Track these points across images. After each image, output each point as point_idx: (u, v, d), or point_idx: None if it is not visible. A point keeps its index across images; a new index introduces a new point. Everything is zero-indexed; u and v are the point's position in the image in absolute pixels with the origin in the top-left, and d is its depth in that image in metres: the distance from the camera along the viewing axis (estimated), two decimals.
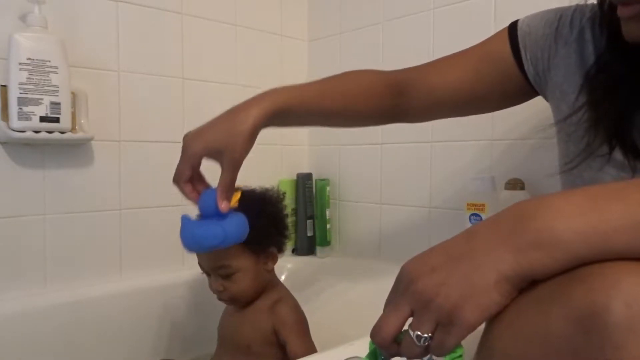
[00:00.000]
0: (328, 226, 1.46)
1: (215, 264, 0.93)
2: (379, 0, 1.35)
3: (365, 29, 1.39)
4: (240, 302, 0.97)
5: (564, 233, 0.36)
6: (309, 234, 1.47)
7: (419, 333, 0.40)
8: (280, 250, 1.02)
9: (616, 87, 0.58)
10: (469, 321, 0.38)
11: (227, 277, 0.94)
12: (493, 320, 0.40)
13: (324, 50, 1.52)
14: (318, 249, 1.46)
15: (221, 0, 1.35)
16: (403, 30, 1.30)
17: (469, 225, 1.09)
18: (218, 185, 0.74)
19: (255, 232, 0.92)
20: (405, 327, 0.42)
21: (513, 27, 0.72)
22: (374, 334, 0.43)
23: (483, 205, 1.05)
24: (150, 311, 1.15)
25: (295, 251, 1.47)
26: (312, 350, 0.95)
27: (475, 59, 0.75)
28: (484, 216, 1.06)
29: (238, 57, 1.39)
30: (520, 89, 0.73)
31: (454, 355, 0.41)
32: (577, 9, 0.67)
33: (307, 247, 1.46)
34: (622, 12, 0.53)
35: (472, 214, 1.07)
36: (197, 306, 1.20)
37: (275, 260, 1.00)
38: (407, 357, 0.42)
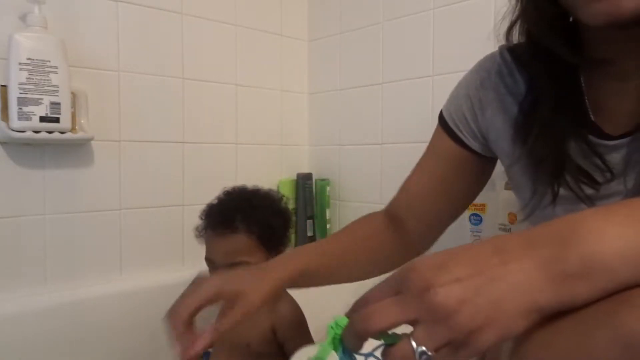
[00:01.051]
0: (328, 226, 1.46)
1: (232, 260, 0.93)
2: (379, 0, 1.35)
3: (365, 29, 1.39)
4: None
5: (610, 260, 0.33)
6: (309, 234, 1.46)
7: (424, 349, 0.35)
8: (284, 251, 1.03)
9: (545, 126, 0.58)
10: (485, 345, 0.34)
11: None
12: (525, 339, 0.37)
13: (324, 50, 1.52)
14: None
15: (221, 0, 1.35)
16: (403, 30, 1.30)
17: (469, 225, 1.09)
18: (218, 324, 0.61)
19: (272, 231, 0.95)
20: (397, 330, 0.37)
21: (441, 117, 0.74)
22: (358, 320, 0.37)
23: (483, 205, 1.05)
24: (150, 311, 1.15)
25: None
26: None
27: (432, 165, 0.76)
28: (483, 216, 1.06)
29: (238, 57, 1.39)
30: (482, 165, 0.72)
31: None
32: (485, 67, 0.69)
33: None
34: None
35: (472, 214, 1.07)
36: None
37: None
38: None
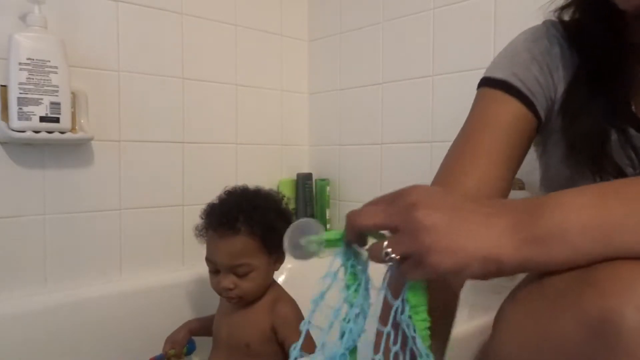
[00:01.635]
0: (328, 226, 1.46)
1: (234, 262, 0.93)
2: (379, 0, 1.35)
3: (365, 29, 1.39)
4: (246, 301, 0.97)
5: (571, 229, 0.36)
6: None
7: (389, 250, 0.40)
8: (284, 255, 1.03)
9: (584, 107, 0.57)
10: (439, 267, 0.38)
11: (243, 275, 0.93)
12: (500, 323, 0.40)
13: (324, 50, 1.52)
14: None
15: (221, 0, 1.35)
16: (403, 30, 1.30)
17: None
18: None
19: (274, 232, 0.94)
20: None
21: (501, 82, 0.64)
22: (352, 215, 0.43)
23: None
24: (150, 311, 1.15)
25: None
26: (312, 348, 0.95)
27: (494, 139, 0.62)
28: None
29: (238, 57, 1.39)
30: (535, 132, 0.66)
31: (422, 323, 0.41)
32: (544, 35, 0.64)
33: None
34: None
35: None
36: (197, 306, 1.20)
37: (282, 261, 1.01)
38: (370, 257, 0.43)
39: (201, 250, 0.98)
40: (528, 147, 0.65)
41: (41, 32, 0.99)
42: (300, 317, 0.98)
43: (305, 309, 1.02)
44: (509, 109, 0.63)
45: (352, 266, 0.45)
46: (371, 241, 0.44)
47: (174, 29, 1.26)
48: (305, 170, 1.53)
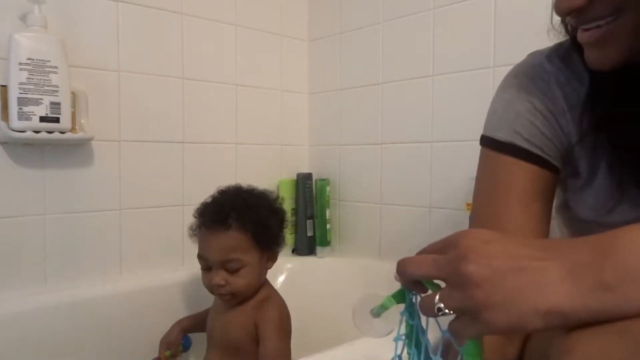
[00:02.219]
0: (328, 226, 1.46)
1: (225, 257, 0.93)
2: (379, 0, 1.35)
3: (365, 29, 1.39)
4: (238, 299, 0.97)
5: None
6: (309, 234, 1.47)
7: (441, 305, 0.39)
8: (279, 250, 1.03)
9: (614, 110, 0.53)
10: (494, 325, 0.36)
11: (234, 271, 0.94)
12: (565, 355, 0.36)
13: (324, 50, 1.52)
14: (318, 249, 1.46)
15: (221, 0, 1.35)
16: (403, 30, 1.30)
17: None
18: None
19: (267, 230, 0.95)
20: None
21: (505, 144, 0.61)
22: (400, 264, 0.42)
23: None
24: (150, 311, 1.15)
25: (295, 251, 1.47)
26: (284, 353, 0.94)
27: (518, 211, 0.59)
28: None
29: (238, 57, 1.39)
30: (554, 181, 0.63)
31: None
32: (538, 76, 0.60)
33: (307, 247, 1.46)
34: (581, 37, 0.50)
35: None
36: (197, 306, 1.20)
37: (275, 260, 1.01)
38: (421, 311, 0.42)
39: None
40: (552, 199, 0.62)
41: (41, 32, 0.99)
42: (284, 320, 0.98)
43: (304, 308, 1.02)
44: (521, 173, 0.59)
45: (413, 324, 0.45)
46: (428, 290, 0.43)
47: (174, 29, 1.26)
48: (305, 170, 1.53)
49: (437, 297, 0.39)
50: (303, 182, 1.47)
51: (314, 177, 1.50)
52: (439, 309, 0.39)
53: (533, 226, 0.59)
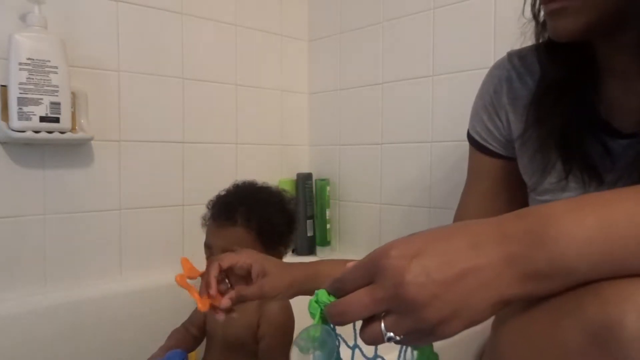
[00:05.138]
0: (328, 226, 1.46)
1: (227, 248, 0.91)
2: (379, 0, 1.35)
3: (365, 29, 1.39)
4: None
5: (576, 264, 0.35)
6: (309, 234, 1.47)
7: (391, 334, 0.38)
8: (285, 253, 1.02)
9: (558, 101, 0.59)
10: (450, 334, 0.37)
11: None
12: (502, 325, 0.39)
13: (324, 50, 1.52)
14: (318, 249, 1.46)
15: (221, 0, 1.35)
16: (403, 30, 1.30)
17: None
18: (241, 288, 0.74)
19: (272, 227, 0.94)
20: None
21: (469, 137, 0.76)
22: (335, 313, 0.40)
23: None
24: (150, 311, 1.15)
25: (295, 251, 1.47)
26: (286, 352, 0.93)
27: (479, 187, 0.75)
28: None
29: (238, 57, 1.39)
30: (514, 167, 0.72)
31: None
32: (495, 75, 0.71)
33: (307, 247, 1.46)
34: (546, 8, 0.54)
35: None
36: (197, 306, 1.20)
37: (280, 259, 1.00)
38: (365, 342, 0.40)
39: (202, 250, 0.98)
40: (517, 183, 0.70)
41: (41, 32, 0.99)
42: (288, 321, 0.97)
43: (303, 308, 1.02)
44: (481, 162, 0.74)
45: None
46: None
47: (174, 29, 1.26)
48: (305, 170, 1.53)
49: (383, 325, 0.38)
50: (303, 182, 1.47)
51: (314, 177, 1.50)
52: (390, 338, 0.38)
53: (489, 207, 0.72)
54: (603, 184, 0.57)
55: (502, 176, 0.72)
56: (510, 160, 0.71)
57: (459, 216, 0.78)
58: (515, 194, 0.72)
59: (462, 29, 1.17)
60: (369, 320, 0.39)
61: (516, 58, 0.69)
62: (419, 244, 0.38)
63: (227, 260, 0.74)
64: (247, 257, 0.75)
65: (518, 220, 0.38)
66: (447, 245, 0.38)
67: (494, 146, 0.72)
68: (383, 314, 0.38)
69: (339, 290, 0.41)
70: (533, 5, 0.61)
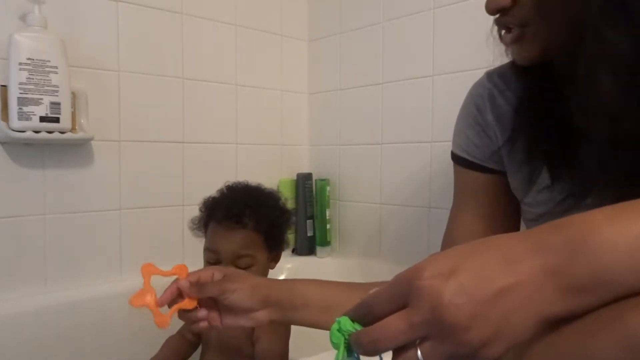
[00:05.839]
0: (328, 226, 1.46)
1: (241, 252, 0.91)
2: (379, 0, 1.35)
3: (365, 29, 1.39)
4: None
5: (619, 275, 0.33)
6: (309, 234, 1.47)
7: None
8: (281, 252, 1.02)
9: (540, 112, 0.60)
10: (493, 356, 0.35)
11: (244, 268, 0.92)
12: (530, 342, 0.37)
13: (324, 50, 1.52)
14: (318, 249, 1.46)
15: (221, 0, 1.35)
16: (403, 30, 1.30)
17: None
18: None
19: (276, 230, 0.94)
20: None
21: (455, 156, 0.75)
22: (366, 342, 0.37)
23: None
24: (150, 311, 1.15)
25: (295, 251, 1.47)
26: (281, 354, 0.93)
27: (473, 206, 0.74)
28: None
29: (238, 57, 1.39)
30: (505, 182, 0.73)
31: None
32: (477, 94, 0.72)
33: (307, 247, 1.46)
34: (505, 38, 0.57)
35: None
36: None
37: (277, 261, 1.01)
38: None
39: (202, 250, 0.98)
40: (505, 198, 0.71)
41: (41, 32, 0.99)
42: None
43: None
44: (472, 179, 0.73)
45: None
46: None
47: (174, 29, 1.26)
48: (305, 170, 1.53)
49: (420, 353, 0.35)
50: (303, 182, 1.47)
51: (314, 177, 1.50)
52: None
53: (487, 223, 0.71)
54: (591, 192, 0.56)
55: (495, 190, 0.72)
56: (501, 174, 0.71)
57: (456, 236, 0.74)
58: (511, 207, 0.71)
59: (462, 29, 1.17)
60: (401, 349, 0.36)
61: (496, 76, 0.70)
62: (452, 261, 0.36)
63: (194, 275, 0.75)
64: (214, 270, 0.74)
65: (556, 230, 0.36)
66: (483, 261, 0.36)
67: (483, 161, 0.71)
68: (418, 340, 0.36)
69: (366, 316, 0.38)
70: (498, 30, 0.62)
